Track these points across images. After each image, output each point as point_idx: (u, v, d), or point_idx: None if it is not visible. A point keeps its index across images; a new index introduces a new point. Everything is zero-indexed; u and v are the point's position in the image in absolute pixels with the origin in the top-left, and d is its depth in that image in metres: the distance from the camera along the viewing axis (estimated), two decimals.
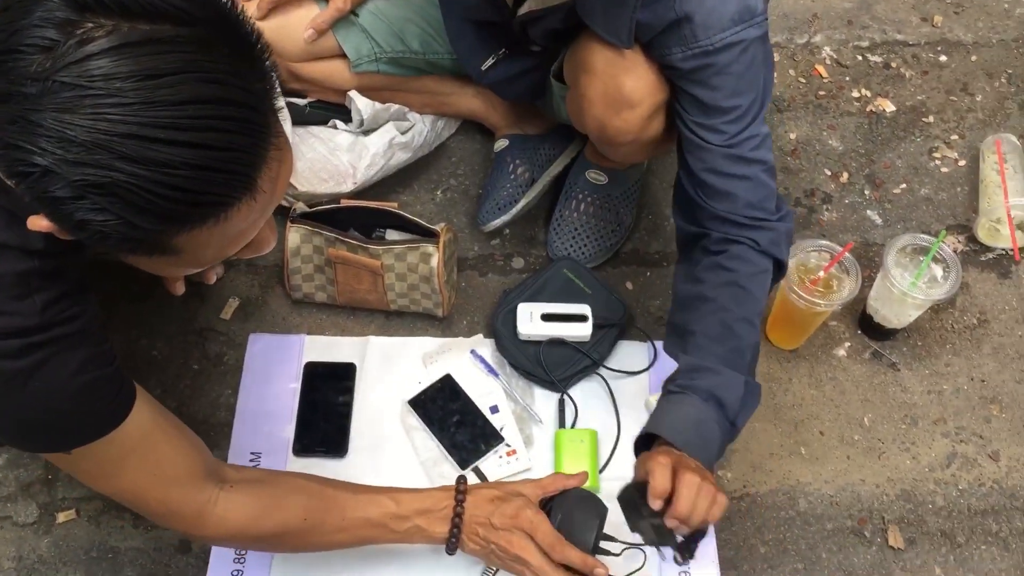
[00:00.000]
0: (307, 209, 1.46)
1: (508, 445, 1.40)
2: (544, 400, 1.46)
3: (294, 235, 1.44)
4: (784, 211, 1.26)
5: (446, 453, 1.39)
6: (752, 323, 1.20)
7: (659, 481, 1.05)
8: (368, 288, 1.47)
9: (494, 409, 1.43)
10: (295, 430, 1.41)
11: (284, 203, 1.53)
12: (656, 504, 1.06)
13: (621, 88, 1.23)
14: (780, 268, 1.26)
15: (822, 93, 1.81)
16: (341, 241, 1.43)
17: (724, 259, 1.22)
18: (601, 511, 1.17)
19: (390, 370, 1.47)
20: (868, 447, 1.44)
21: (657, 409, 1.17)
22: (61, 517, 1.34)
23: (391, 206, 1.47)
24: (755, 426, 1.44)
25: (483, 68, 1.46)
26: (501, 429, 1.41)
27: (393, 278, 1.44)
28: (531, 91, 1.52)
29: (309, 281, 1.48)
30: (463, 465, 1.37)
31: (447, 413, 1.42)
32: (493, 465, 1.39)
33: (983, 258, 1.63)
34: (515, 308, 1.48)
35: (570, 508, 1.17)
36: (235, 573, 1.30)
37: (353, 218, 1.48)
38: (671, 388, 1.17)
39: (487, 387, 1.45)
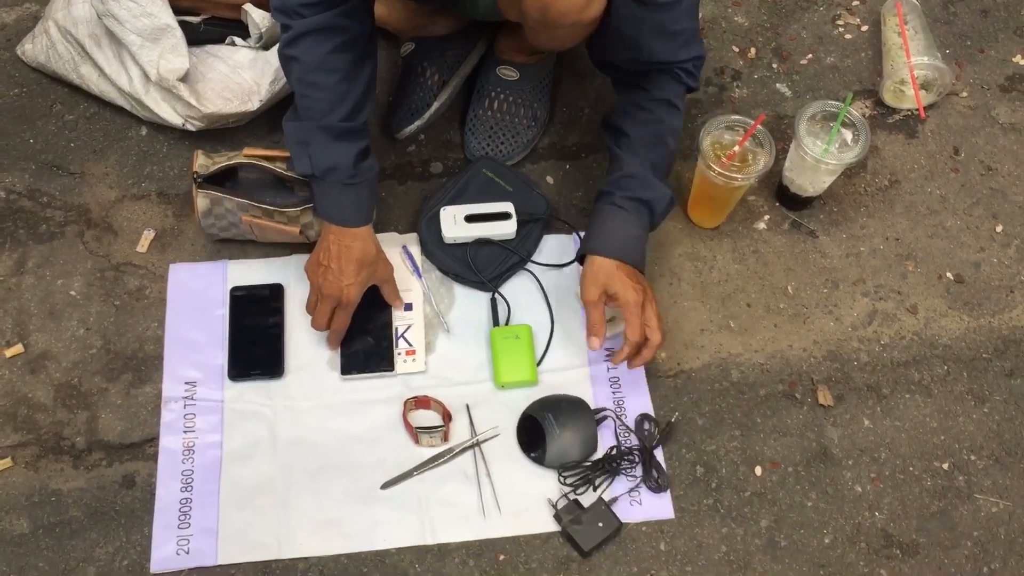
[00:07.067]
0: (210, 169, 1.37)
1: (409, 344, 1.41)
2: (468, 304, 1.46)
3: (203, 200, 1.37)
4: (700, 49, 1.36)
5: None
6: (677, 134, 1.40)
7: (594, 319, 1.32)
8: (289, 239, 1.44)
9: (408, 307, 1.44)
10: (228, 356, 1.39)
11: (190, 126, 1.49)
12: (594, 344, 1.32)
13: None
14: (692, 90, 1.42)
15: None
16: (255, 207, 1.38)
17: (657, 77, 1.37)
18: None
19: None
20: (793, 314, 1.48)
21: (596, 225, 1.36)
22: None
23: None
24: (684, 305, 1.47)
25: None
26: (408, 328, 1.42)
27: (314, 235, 1.42)
28: None
29: (226, 231, 1.43)
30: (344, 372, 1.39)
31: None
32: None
33: (890, 120, 1.67)
34: (438, 213, 1.47)
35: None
36: (183, 502, 1.30)
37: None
38: (613, 201, 1.35)
39: (407, 284, 1.45)
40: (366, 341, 1.41)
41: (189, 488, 1.31)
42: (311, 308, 1.37)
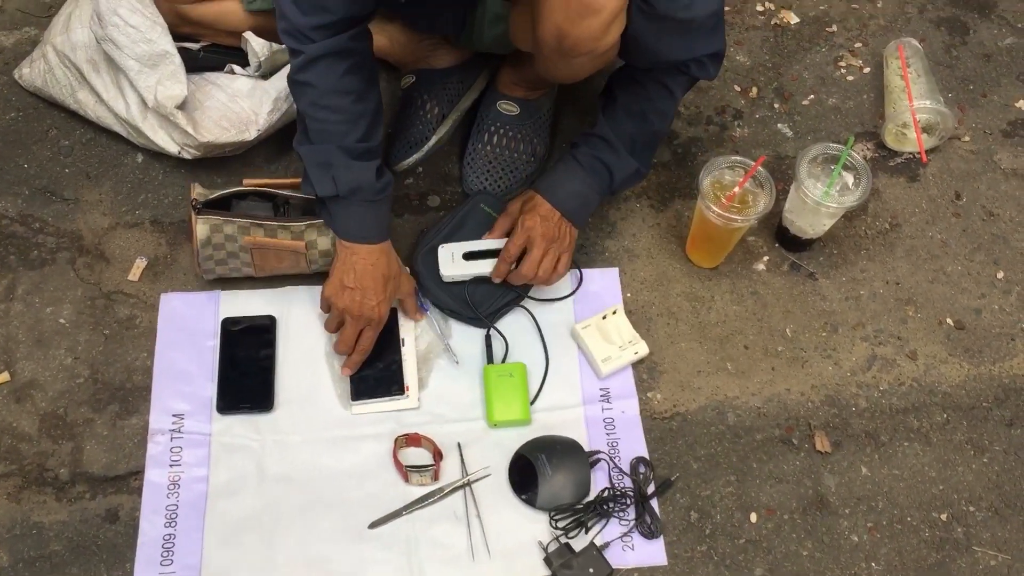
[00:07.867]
0: (208, 196, 1.37)
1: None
2: (462, 340, 1.44)
3: (203, 227, 1.35)
4: (717, 44, 1.33)
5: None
6: (664, 116, 1.42)
7: (500, 223, 1.45)
8: (290, 264, 1.42)
9: (402, 342, 1.42)
10: (217, 388, 1.37)
11: (186, 155, 1.48)
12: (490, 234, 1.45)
13: None
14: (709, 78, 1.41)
15: (727, 8, 1.80)
16: (257, 226, 1.36)
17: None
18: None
19: (313, 319, 1.44)
20: (792, 357, 1.46)
21: (556, 171, 1.44)
22: None
23: (295, 183, 1.38)
24: (681, 345, 1.46)
25: None
26: (403, 361, 1.41)
27: (316, 255, 1.40)
28: (455, 20, 1.46)
29: (223, 265, 1.41)
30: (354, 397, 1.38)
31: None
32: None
33: (892, 163, 1.66)
34: (435, 249, 1.45)
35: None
36: (167, 537, 1.27)
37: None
38: (577, 154, 1.42)
39: (401, 320, 1.44)
40: (374, 366, 1.39)
41: (173, 523, 1.28)
42: (333, 329, 1.38)
